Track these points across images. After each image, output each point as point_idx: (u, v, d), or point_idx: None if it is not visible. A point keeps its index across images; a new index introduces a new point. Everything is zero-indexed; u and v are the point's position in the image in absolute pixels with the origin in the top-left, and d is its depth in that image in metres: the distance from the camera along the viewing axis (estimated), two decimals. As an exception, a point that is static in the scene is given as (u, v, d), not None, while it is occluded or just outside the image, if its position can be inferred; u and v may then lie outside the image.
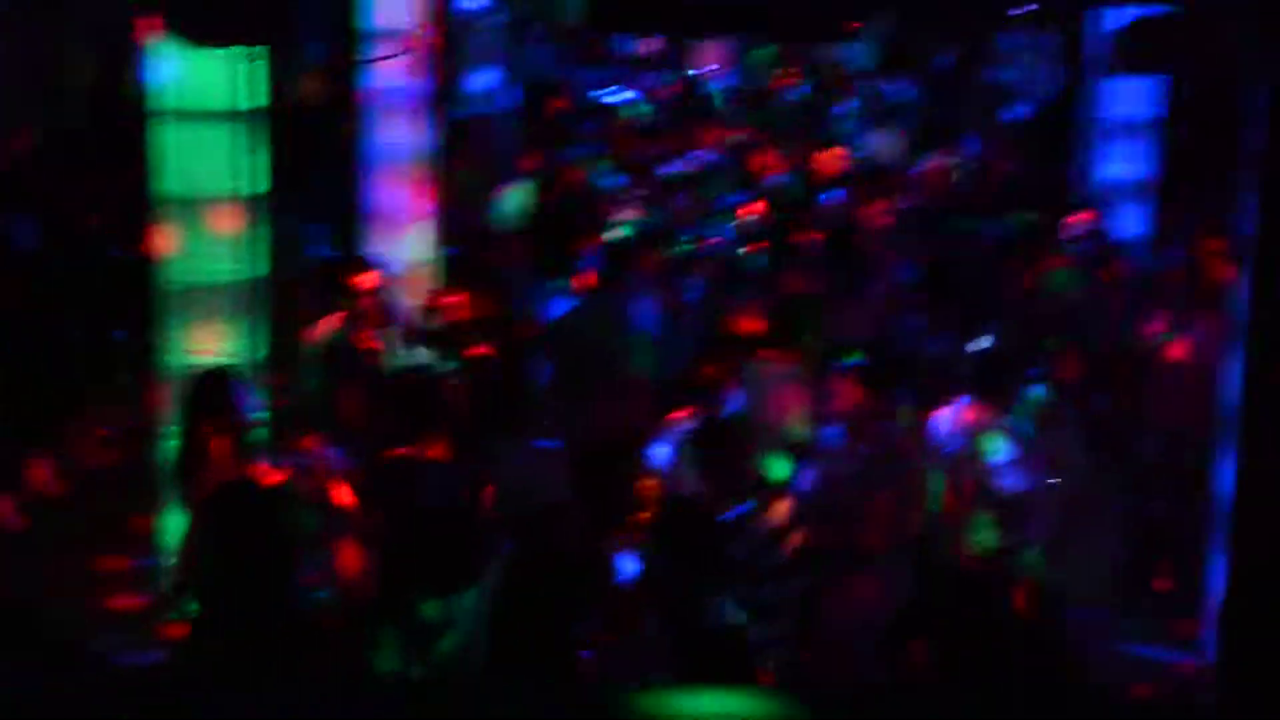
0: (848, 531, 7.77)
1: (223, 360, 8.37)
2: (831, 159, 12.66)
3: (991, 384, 8.34)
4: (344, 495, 7.54)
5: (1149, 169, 11.18)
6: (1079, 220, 10.53)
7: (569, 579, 6.75)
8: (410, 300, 10.38)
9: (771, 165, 13.17)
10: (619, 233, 10.46)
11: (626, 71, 17.34)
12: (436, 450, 7.52)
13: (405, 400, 7.71)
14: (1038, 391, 8.45)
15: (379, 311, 9.14)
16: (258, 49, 8.34)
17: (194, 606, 6.67)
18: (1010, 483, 8.18)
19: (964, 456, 8.24)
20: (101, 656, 7.11)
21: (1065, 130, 12.45)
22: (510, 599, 6.63)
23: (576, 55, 17.30)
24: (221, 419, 7.59)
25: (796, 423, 8.71)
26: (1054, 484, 8.22)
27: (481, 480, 7.62)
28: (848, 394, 8.01)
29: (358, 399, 8.32)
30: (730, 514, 7.37)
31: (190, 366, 8.40)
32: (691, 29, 14.81)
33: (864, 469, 7.83)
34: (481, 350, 8.93)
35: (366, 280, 9.13)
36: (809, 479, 7.93)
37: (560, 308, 10.05)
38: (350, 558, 7.75)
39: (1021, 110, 14.89)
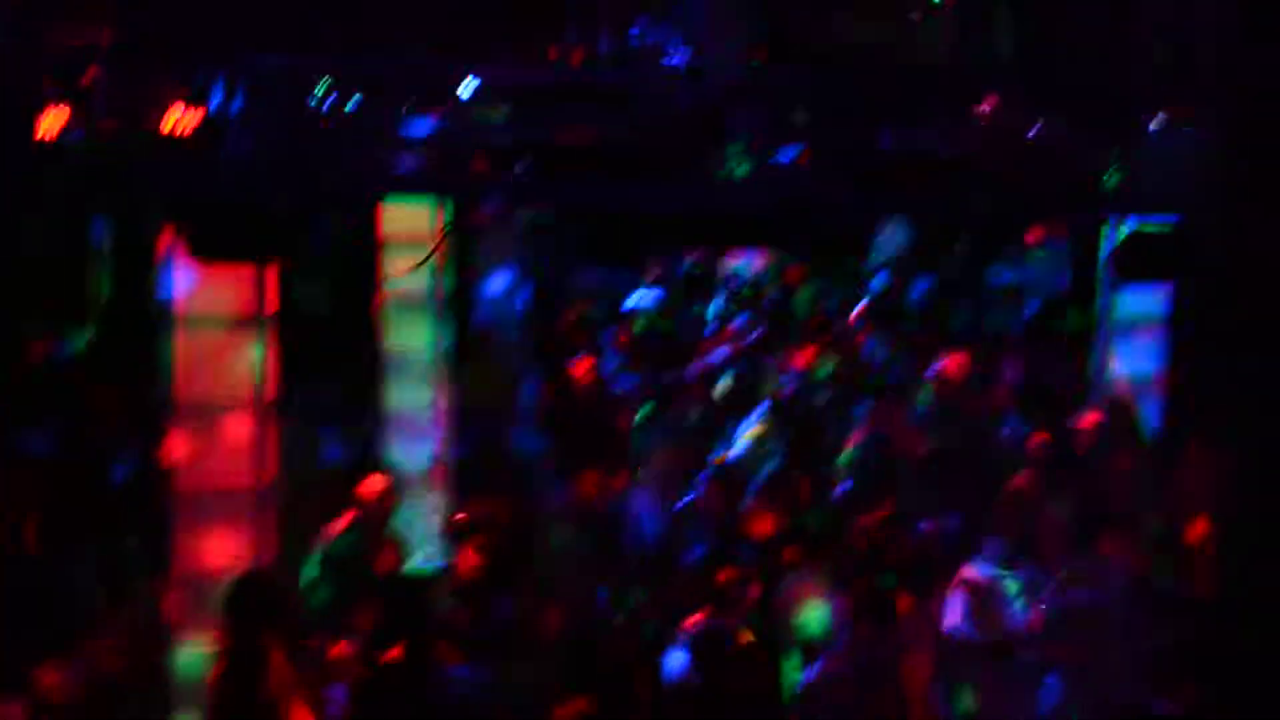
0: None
1: (242, 567, 8.50)
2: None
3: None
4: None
5: (1158, 366, 11.56)
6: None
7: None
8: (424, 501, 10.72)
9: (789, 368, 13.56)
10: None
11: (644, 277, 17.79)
12: (430, 656, 7.82)
13: (400, 608, 8.00)
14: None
15: (387, 516, 9.43)
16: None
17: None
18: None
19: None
20: None
21: (1079, 330, 12.84)
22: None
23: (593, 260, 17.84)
24: (274, 629, 7.73)
25: (812, 620, 8.97)
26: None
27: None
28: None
29: (367, 604, 8.58)
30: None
31: (211, 573, 8.61)
32: (710, 243, 15.25)
33: (867, 668, 8.08)
34: (474, 560, 9.22)
35: (377, 484, 9.43)
36: (815, 675, 8.18)
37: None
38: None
39: (1033, 310, 15.33)
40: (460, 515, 9.85)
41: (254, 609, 7.79)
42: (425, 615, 7.94)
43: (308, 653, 7.99)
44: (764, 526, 9.87)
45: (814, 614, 8.75)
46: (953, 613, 8.80)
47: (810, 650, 8.63)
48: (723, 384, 13.14)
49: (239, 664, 7.66)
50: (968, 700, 8.81)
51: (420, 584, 8.62)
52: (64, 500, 11.53)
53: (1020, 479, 10.21)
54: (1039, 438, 10.85)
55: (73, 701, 7.41)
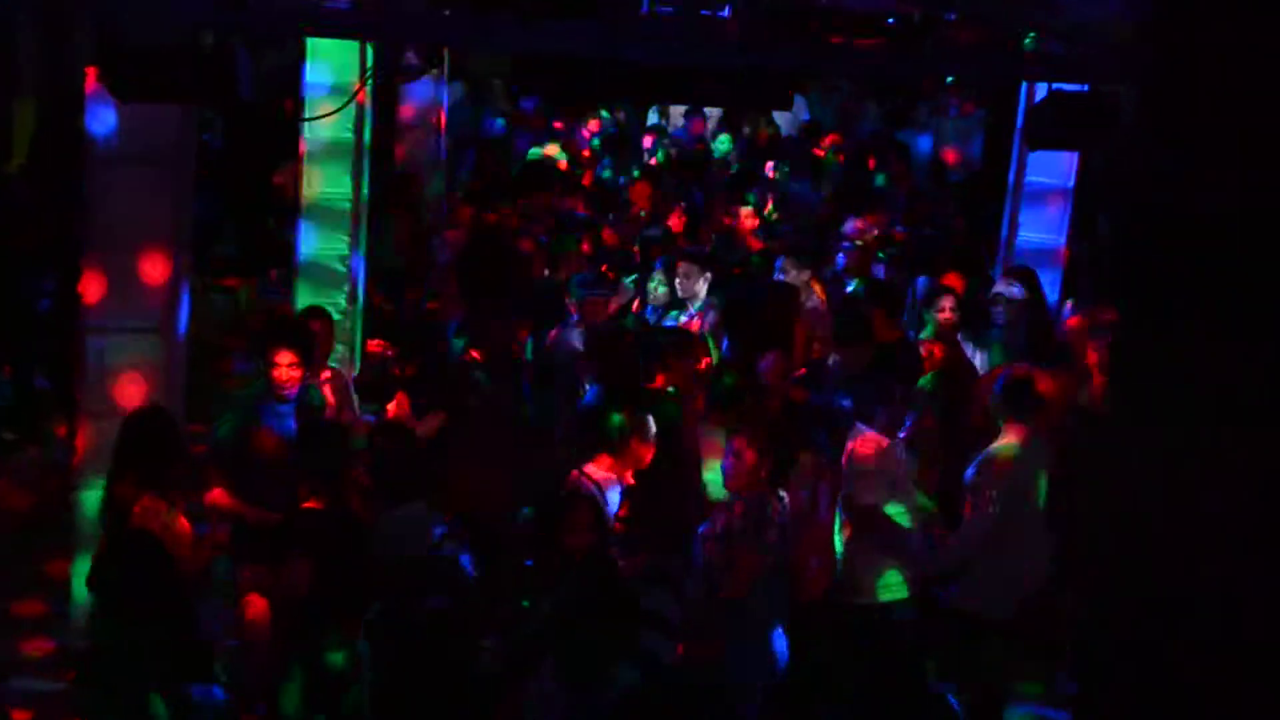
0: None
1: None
2: (746, 217, 12.57)
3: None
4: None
5: (1062, 236, 11.17)
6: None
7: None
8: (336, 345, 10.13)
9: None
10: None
11: (563, 132, 17.21)
12: (343, 504, 7.37)
13: (316, 457, 7.54)
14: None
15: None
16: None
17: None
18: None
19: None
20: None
21: (992, 196, 12.42)
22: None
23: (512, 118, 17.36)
24: (151, 465, 7.25)
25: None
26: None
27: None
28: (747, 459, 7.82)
29: (273, 449, 8.04)
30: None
31: (113, 413, 8.00)
32: (629, 98, 14.89)
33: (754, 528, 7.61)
34: (394, 409, 8.74)
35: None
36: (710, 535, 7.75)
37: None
38: (256, 606, 7.62)
39: (950, 175, 14.90)
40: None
41: (131, 445, 7.29)
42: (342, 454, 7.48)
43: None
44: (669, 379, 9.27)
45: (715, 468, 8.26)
46: (848, 476, 8.30)
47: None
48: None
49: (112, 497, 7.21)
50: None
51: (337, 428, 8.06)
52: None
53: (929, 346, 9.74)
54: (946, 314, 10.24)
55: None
